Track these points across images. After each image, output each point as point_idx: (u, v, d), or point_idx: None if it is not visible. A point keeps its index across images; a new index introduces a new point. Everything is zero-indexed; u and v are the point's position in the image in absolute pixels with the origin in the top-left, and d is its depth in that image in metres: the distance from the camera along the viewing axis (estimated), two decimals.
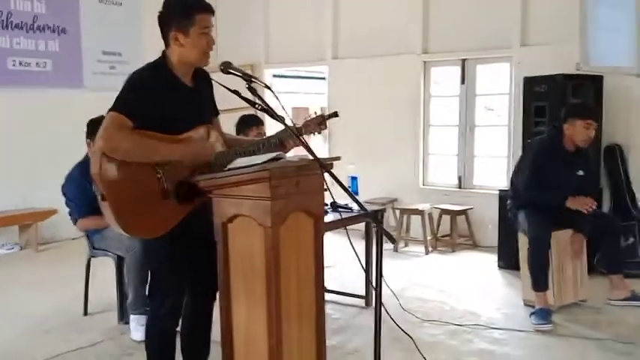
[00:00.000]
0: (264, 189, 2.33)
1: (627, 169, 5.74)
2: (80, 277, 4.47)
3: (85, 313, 4.43)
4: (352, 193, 2.41)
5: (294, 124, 2.62)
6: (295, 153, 2.75)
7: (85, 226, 4.17)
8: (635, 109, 5.73)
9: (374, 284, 2.35)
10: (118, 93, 2.51)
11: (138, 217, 2.51)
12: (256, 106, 2.55)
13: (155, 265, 2.74)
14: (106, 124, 2.44)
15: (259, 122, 4.77)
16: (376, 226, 2.31)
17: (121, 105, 2.46)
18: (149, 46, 7.35)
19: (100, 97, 6.63)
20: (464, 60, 6.93)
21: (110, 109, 2.46)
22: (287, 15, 8.17)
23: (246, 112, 4.95)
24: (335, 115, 2.82)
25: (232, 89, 2.60)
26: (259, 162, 2.42)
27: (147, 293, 2.78)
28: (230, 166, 2.50)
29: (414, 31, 7.10)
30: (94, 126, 4.02)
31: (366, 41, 7.46)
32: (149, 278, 2.81)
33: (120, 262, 4.14)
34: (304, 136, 2.67)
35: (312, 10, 7.92)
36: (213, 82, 2.79)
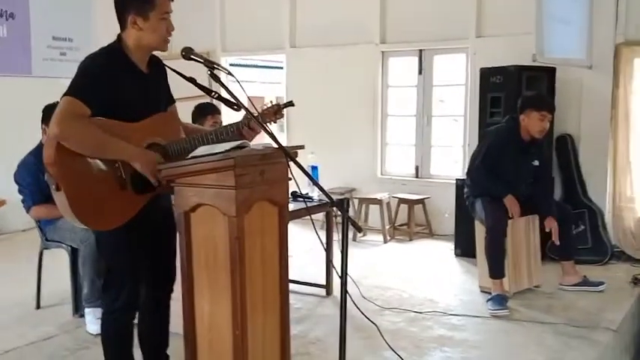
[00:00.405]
0: (228, 178, 2.30)
1: (578, 158, 5.90)
2: (31, 270, 4.33)
3: (38, 306, 4.30)
4: (317, 182, 2.40)
5: (250, 113, 2.57)
6: (257, 142, 2.71)
7: (38, 215, 4.04)
8: (585, 101, 5.88)
9: (339, 273, 2.34)
10: (68, 80, 2.41)
11: (94, 208, 2.43)
12: (212, 94, 2.51)
13: (110, 257, 2.65)
14: (60, 109, 2.34)
15: (215, 111, 4.71)
16: (342, 215, 2.30)
17: (76, 90, 2.37)
18: (101, 32, 7.19)
19: (50, 83, 6.51)
20: (421, 50, 6.99)
21: (65, 94, 2.37)
22: (244, 2, 8.06)
23: (199, 101, 4.89)
24: (291, 104, 2.80)
25: (188, 77, 2.55)
26: (222, 150, 2.38)
27: (102, 285, 2.70)
28: (193, 153, 2.45)
29: (372, 21, 7.11)
30: (49, 111, 3.89)
31: (324, 30, 7.43)
32: (104, 271, 2.72)
33: (74, 253, 4.02)
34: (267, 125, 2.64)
35: None
36: (167, 70, 2.71)
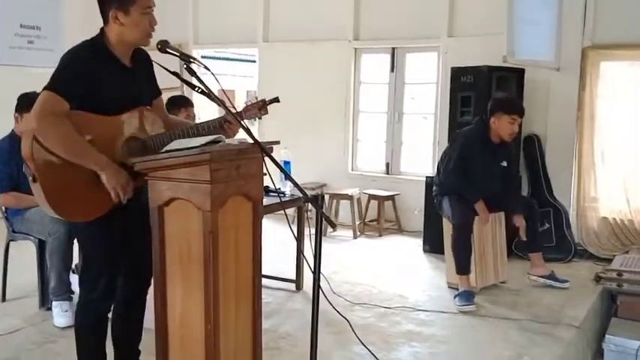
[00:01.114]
0: (203, 172, 2.29)
1: (544, 158, 6.03)
2: None
3: (4, 299, 4.22)
4: (292, 178, 2.41)
5: (234, 109, 2.58)
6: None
7: (6, 202, 3.98)
8: (552, 102, 6.00)
9: (311, 268, 2.36)
10: (36, 68, 2.39)
11: (71, 200, 2.42)
12: (196, 89, 2.50)
13: (88, 247, 2.64)
14: (40, 104, 2.33)
15: (188, 103, 4.69)
16: (316, 212, 2.32)
17: (56, 84, 2.35)
18: (69, 21, 7.06)
19: (17, 72, 6.37)
20: (394, 48, 7.04)
21: (45, 88, 2.35)
22: None
23: (176, 93, 4.85)
24: (276, 100, 2.79)
25: (173, 71, 2.54)
26: (198, 144, 2.37)
27: (79, 276, 2.68)
28: (167, 147, 2.44)
29: (346, 18, 7.14)
30: (23, 100, 3.84)
31: (297, 26, 7.44)
32: (80, 262, 2.70)
33: (41, 246, 3.96)
34: (245, 121, 2.64)
35: None
36: (153, 62, 2.70)
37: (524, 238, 4.67)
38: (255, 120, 2.74)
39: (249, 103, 2.72)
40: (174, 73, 2.55)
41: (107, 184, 2.42)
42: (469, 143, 4.57)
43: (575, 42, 5.81)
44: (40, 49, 6.99)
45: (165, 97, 4.56)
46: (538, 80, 5.99)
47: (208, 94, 2.45)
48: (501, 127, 4.50)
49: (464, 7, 6.50)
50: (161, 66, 2.66)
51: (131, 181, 2.47)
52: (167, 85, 3.03)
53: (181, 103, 4.61)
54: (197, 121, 4.40)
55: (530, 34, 5.46)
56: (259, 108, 2.70)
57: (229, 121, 2.59)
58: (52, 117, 2.31)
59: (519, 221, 4.64)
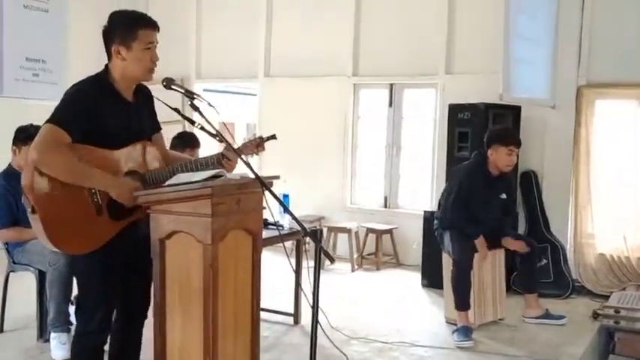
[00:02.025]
0: (205, 206, 2.35)
1: (541, 194, 6.07)
2: None
3: (2, 330, 4.21)
4: (292, 213, 2.45)
5: (229, 144, 2.63)
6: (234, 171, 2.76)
7: (6, 237, 4.00)
8: (549, 139, 6.09)
9: (310, 302, 2.39)
10: (40, 101, 2.47)
11: (69, 232, 2.45)
12: (196, 125, 2.56)
13: (85, 279, 2.65)
14: (42, 136, 2.39)
15: (196, 144, 4.66)
16: (315, 246, 2.36)
17: (59, 118, 2.41)
18: (75, 55, 7.18)
19: (21, 104, 6.45)
20: (392, 84, 7.16)
21: (48, 121, 2.41)
22: (220, 30, 8.16)
23: (177, 126, 4.89)
24: (273, 137, 2.85)
25: (173, 107, 2.60)
26: (200, 179, 2.43)
27: (75, 308, 2.70)
28: (170, 181, 2.49)
29: (345, 54, 7.28)
30: (21, 133, 3.90)
31: (298, 61, 7.56)
32: (78, 293, 2.72)
33: (41, 277, 3.97)
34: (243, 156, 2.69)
35: (246, 27, 7.95)
36: (155, 98, 2.77)
37: (524, 250, 4.69)
38: (253, 156, 2.79)
39: (248, 139, 2.77)
40: (175, 109, 2.61)
41: (119, 199, 2.47)
42: (468, 177, 4.62)
43: (570, 80, 5.92)
44: (45, 82, 7.09)
45: (166, 130, 4.66)
46: (534, 118, 6.08)
47: (209, 131, 2.51)
48: (499, 158, 4.55)
49: (461, 45, 6.63)
50: (163, 102, 2.72)
51: (140, 185, 2.51)
52: (168, 118, 3.10)
53: (189, 143, 4.58)
54: None
55: (525, 72, 5.57)
56: (257, 145, 2.75)
57: (228, 157, 2.64)
58: (53, 145, 2.37)
59: (514, 244, 4.68)
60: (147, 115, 2.73)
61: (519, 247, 4.65)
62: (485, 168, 4.62)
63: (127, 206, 2.49)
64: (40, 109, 3.55)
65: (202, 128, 2.57)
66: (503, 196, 4.71)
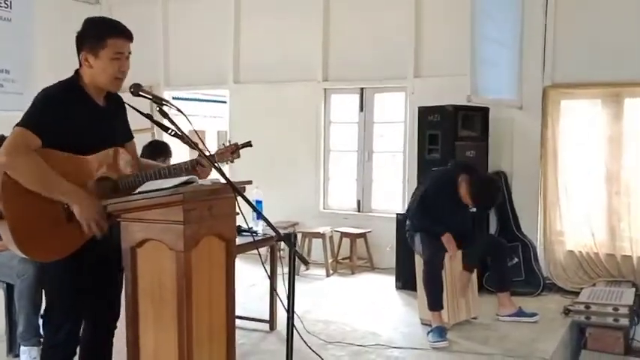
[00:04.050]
0: (176, 213, 2.32)
1: (511, 194, 6.16)
2: None
3: None
4: (265, 217, 2.45)
5: (207, 151, 2.62)
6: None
7: None
8: (517, 139, 6.19)
9: (285, 307, 2.38)
10: (4, 112, 2.43)
11: (37, 238, 2.41)
12: (169, 131, 2.54)
13: (53, 289, 2.61)
14: (12, 139, 2.36)
15: (168, 154, 4.60)
16: (289, 249, 2.35)
17: (28, 121, 2.38)
18: (39, 65, 7.06)
19: None
20: (362, 89, 7.20)
21: (18, 124, 2.38)
22: (188, 37, 8.10)
23: (147, 135, 4.83)
24: (249, 144, 2.84)
25: (145, 113, 2.58)
26: (171, 185, 2.40)
27: (41, 320, 2.65)
28: (140, 188, 2.46)
29: (315, 60, 7.29)
30: None
31: (267, 67, 7.55)
32: (45, 305, 2.66)
33: (9, 289, 3.88)
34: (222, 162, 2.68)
35: (214, 33, 7.92)
36: (126, 105, 2.74)
37: (463, 289, 4.73)
38: (227, 163, 2.77)
39: (222, 146, 2.76)
40: (147, 116, 2.59)
41: (80, 217, 2.41)
42: (438, 185, 4.67)
43: (535, 81, 6.03)
44: (9, 93, 6.96)
45: (136, 138, 4.61)
46: (502, 118, 6.17)
47: (182, 136, 2.49)
48: (462, 192, 4.58)
49: (429, 48, 6.70)
50: (134, 108, 2.70)
51: (105, 213, 2.46)
52: (138, 126, 3.07)
53: (161, 152, 4.51)
54: None
55: (492, 73, 5.65)
56: (232, 152, 2.74)
57: (202, 163, 2.62)
58: (22, 150, 2.33)
59: (465, 275, 4.73)
60: (119, 123, 2.70)
61: (452, 250, 4.60)
62: (454, 187, 4.62)
63: (84, 227, 2.44)
64: (7, 119, 3.48)
65: (176, 135, 2.54)
66: (474, 209, 4.73)
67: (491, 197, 4.69)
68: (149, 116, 2.60)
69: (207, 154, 2.58)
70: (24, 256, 2.47)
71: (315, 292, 5.84)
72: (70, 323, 2.56)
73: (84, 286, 2.56)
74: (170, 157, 4.64)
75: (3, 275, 3.86)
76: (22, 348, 3.73)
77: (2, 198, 2.34)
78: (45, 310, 2.67)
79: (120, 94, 2.71)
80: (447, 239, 4.56)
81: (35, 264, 3.64)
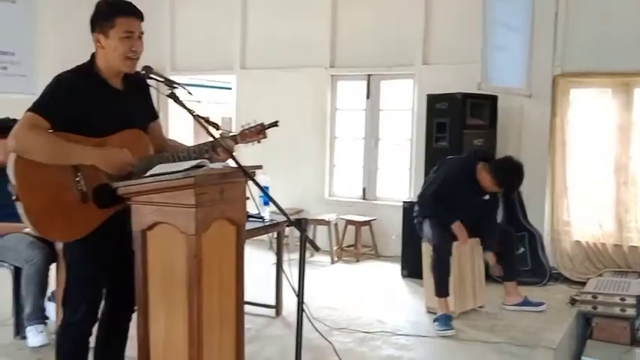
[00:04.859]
0: (188, 196, 2.31)
1: None
2: None
3: None
4: (276, 202, 2.43)
5: (229, 133, 2.60)
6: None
7: None
8: (526, 128, 6.14)
9: (295, 291, 2.37)
10: (8, 95, 2.43)
11: (53, 219, 2.42)
12: (192, 112, 2.52)
13: (72, 267, 2.61)
14: (20, 124, 2.37)
15: None
16: (300, 235, 2.33)
17: (38, 106, 2.39)
18: (43, 47, 7.04)
19: None
20: (369, 75, 7.15)
21: (28, 109, 2.39)
22: (194, 22, 8.06)
23: None
24: (275, 124, 2.80)
25: (168, 94, 2.55)
26: (181, 169, 2.38)
27: (62, 297, 2.66)
28: (151, 171, 2.44)
29: (323, 45, 7.24)
30: None
31: (274, 53, 7.51)
32: (65, 283, 2.66)
33: (17, 273, 3.88)
34: (241, 145, 2.65)
35: (220, 18, 7.87)
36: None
37: (497, 274, 4.72)
38: (253, 144, 2.73)
39: (247, 126, 2.72)
40: (170, 95, 2.55)
41: (110, 169, 2.45)
42: (454, 174, 4.63)
43: (545, 69, 5.98)
44: (13, 75, 6.94)
45: None
46: (511, 107, 6.13)
47: (201, 119, 2.47)
48: (484, 181, 4.56)
49: (438, 35, 6.64)
50: (156, 89, 2.67)
51: (127, 152, 2.48)
52: None
53: None
54: None
55: (502, 61, 5.60)
56: (258, 132, 2.71)
57: (222, 145, 2.59)
58: (31, 130, 2.34)
59: (489, 257, 4.73)
60: (139, 104, 2.69)
61: (462, 238, 4.59)
62: (472, 173, 4.60)
63: (121, 173, 2.46)
64: (13, 102, 3.46)
65: (197, 117, 2.52)
66: (487, 197, 4.71)
67: (517, 179, 4.61)
68: (172, 96, 2.56)
69: (231, 134, 2.55)
70: (36, 239, 2.49)
71: (320, 279, 5.83)
72: (87, 303, 2.58)
73: (102, 266, 2.57)
74: None
75: (11, 259, 3.88)
76: (28, 327, 3.75)
77: (17, 181, 2.36)
78: (64, 290, 2.67)
79: None
80: (457, 228, 4.54)
81: (43, 249, 3.66)
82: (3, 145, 3.21)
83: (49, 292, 3.91)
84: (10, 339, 3.94)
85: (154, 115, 2.78)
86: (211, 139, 2.54)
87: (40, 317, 3.75)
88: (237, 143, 2.63)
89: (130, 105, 2.61)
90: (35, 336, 3.69)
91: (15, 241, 3.72)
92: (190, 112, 2.45)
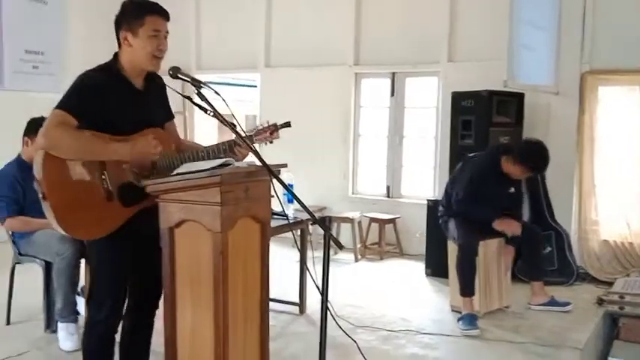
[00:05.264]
0: (214, 194, 2.34)
1: (545, 181, 6.05)
2: (1, 285, 4.25)
3: (8, 322, 4.20)
4: (300, 200, 2.44)
5: (245, 132, 2.63)
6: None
7: (12, 226, 4.00)
8: (553, 125, 6.07)
9: (319, 288, 2.38)
10: (40, 93, 2.47)
11: (79, 217, 2.46)
12: (208, 112, 2.55)
13: (97, 266, 2.65)
14: (48, 121, 2.41)
15: None
16: (324, 233, 2.35)
17: (64, 103, 2.42)
18: (73, 47, 7.16)
19: (22, 96, 6.43)
20: (394, 73, 7.13)
21: (55, 107, 2.42)
22: (219, 21, 8.12)
23: (179, 118, 4.86)
24: (288, 125, 2.83)
25: (185, 95, 2.59)
26: (208, 167, 2.42)
27: (86, 297, 2.70)
28: (178, 170, 2.49)
29: (347, 43, 7.24)
30: (33, 124, 3.90)
31: (298, 51, 7.53)
32: (89, 281, 2.71)
33: (48, 268, 3.97)
34: (255, 145, 2.68)
35: (245, 17, 7.91)
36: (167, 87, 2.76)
37: (516, 232, 4.63)
38: (266, 144, 2.77)
39: (260, 127, 2.75)
40: (187, 97, 2.59)
41: (143, 155, 2.49)
42: (479, 171, 4.60)
43: (573, 67, 5.91)
44: (43, 74, 7.07)
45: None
46: (538, 104, 6.07)
47: (221, 118, 2.49)
48: (512, 171, 4.53)
49: (463, 32, 6.60)
50: (174, 90, 2.71)
51: (152, 138, 2.52)
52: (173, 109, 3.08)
53: None
54: None
55: (529, 58, 5.55)
56: (270, 132, 2.73)
57: (240, 144, 2.62)
58: (60, 127, 2.38)
59: (509, 252, 4.70)
60: (158, 104, 2.73)
61: (511, 228, 4.57)
62: (498, 165, 4.57)
63: (151, 160, 2.50)
64: (43, 101, 3.53)
65: (215, 116, 2.55)
66: (512, 190, 4.68)
67: (541, 156, 4.51)
68: (188, 97, 2.60)
69: (243, 135, 2.58)
70: (65, 234, 2.52)
71: (343, 277, 5.85)
72: (112, 300, 2.61)
73: (126, 264, 2.61)
74: None
75: (42, 254, 3.96)
76: (60, 324, 3.82)
77: (45, 179, 2.39)
78: (89, 288, 2.71)
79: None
80: (499, 223, 4.51)
81: (74, 243, 3.73)
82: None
83: (79, 287, 3.98)
84: (41, 332, 4.03)
85: (170, 116, 2.82)
86: (233, 137, 2.57)
87: (72, 313, 3.82)
88: (252, 143, 2.65)
89: (150, 105, 2.66)
90: (66, 339, 3.75)
91: (46, 236, 3.80)
92: (206, 110, 2.47)
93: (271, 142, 2.76)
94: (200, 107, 2.53)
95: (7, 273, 4.21)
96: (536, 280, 4.82)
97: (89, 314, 2.66)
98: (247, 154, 2.67)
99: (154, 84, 2.69)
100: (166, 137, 2.70)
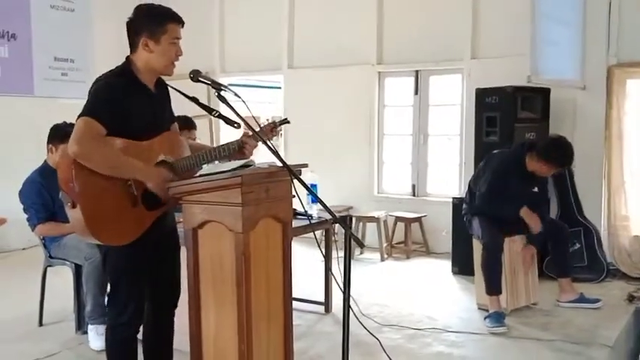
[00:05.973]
0: (235, 195, 2.37)
1: (573, 177, 5.96)
2: (32, 288, 4.36)
3: (41, 323, 4.31)
4: (321, 200, 2.46)
5: (253, 130, 2.66)
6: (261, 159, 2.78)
7: (43, 232, 4.09)
8: (580, 120, 5.99)
9: (341, 288, 2.40)
10: (69, 100, 2.52)
11: (108, 224, 2.50)
12: (213, 113, 2.60)
13: (116, 272, 2.69)
14: (80, 129, 2.43)
15: (192, 126, 4.72)
16: (345, 232, 2.37)
17: (91, 110, 2.46)
18: (100, 53, 7.29)
19: (52, 104, 6.57)
20: (417, 71, 7.10)
21: (82, 114, 2.46)
22: (243, 24, 8.19)
23: (203, 120, 4.92)
24: (286, 121, 2.87)
25: (191, 96, 2.63)
26: (229, 168, 2.46)
27: (107, 300, 2.76)
28: (201, 172, 2.53)
29: (369, 43, 7.23)
30: (57, 131, 3.97)
31: (321, 51, 7.55)
32: (109, 286, 2.76)
33: (78, 271, 4.06)
34: (258, 142, 2.72)
35: (269, 19, 7.97)
36: (174, 90, 2.82)
37: (537, 229, 4.58)
38: (277, 139, 2.82)
39: (263, 125, 2.79)
40: (193, 99, 2.64)
41: (155, 190, 2.54)
42: (502, 168, 4.55)
43: (599, 60, 5.81)
44: (73, 81, 7.22)
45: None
46: (564, 99, 5.98)
47: (225, 117, 2.54)
48: (536, 168, 4.47)
49: (486, 29, 6.55)
50: (180, 92, 2.76)
51: (172, 175, 2.58)
52: (199, 112, 3.13)
53: (184, 125, 4.65)
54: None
55: (553, 53, 5.47)
56: (270, 130, 2.77)
57: (245, 141, 2.66)
58: (93, 137, 2.42)
59: (529, 250, 4.65)
60: (165, 107, 2.79)
61: (534, 222, 4.51)
62: (522, 163, 4.52)
63: (160, 197, 2.54)
64: (71, 107, 3.60)
65: (219, 116, 2.59)
66: (535, 189, 4.63)
67: (565, 151, 4.45)
68: (194, 99, 2.65)
69: (254, 132, 2.61)
70: (96, 241, 2.57)
71: (369, 276, 5.85)
72: (132, 305, 2.64)
73: (144, 267, 2.65)
74: (194, 128, 4.72)
75: (72, 257, 4.05)
76: (90, 326, 3.91)
77: (78, 187, 2.42)
78: (109, 293, 2.76)
79: (178, 80, 2.77)
80: (526, 213, 4.46)
81: (102, 247, 3.79)
82: (63, 150, 3.37)
83: (108, 289, 4.06)
84: (72, 334, 4.12)
85: (173, 117, 2.87)
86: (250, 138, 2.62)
87: (101, 315, 3.88)
88: (257, 141, 2.68)
89: (161, 108, 2.72)
90: (96, 339, 3.83)
91: (76, 239, 3.88)
92: (210, 112, 2.51)
93: (270, 140, 2.78)
94: (205, 108, 2.58)
95: (39, 276, 4.31)
96: (564, 276, 4.76)
97: (111, 318, 2.71)
98: (254, 149, 2.70)
99: (161, 87, 2.75)
100: (180, 141, 2.76)
